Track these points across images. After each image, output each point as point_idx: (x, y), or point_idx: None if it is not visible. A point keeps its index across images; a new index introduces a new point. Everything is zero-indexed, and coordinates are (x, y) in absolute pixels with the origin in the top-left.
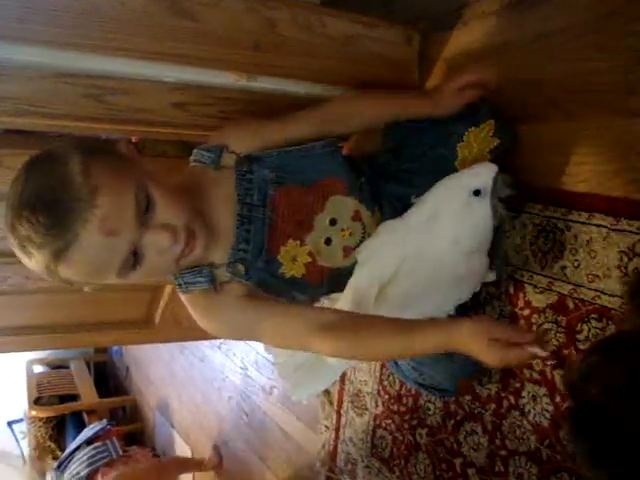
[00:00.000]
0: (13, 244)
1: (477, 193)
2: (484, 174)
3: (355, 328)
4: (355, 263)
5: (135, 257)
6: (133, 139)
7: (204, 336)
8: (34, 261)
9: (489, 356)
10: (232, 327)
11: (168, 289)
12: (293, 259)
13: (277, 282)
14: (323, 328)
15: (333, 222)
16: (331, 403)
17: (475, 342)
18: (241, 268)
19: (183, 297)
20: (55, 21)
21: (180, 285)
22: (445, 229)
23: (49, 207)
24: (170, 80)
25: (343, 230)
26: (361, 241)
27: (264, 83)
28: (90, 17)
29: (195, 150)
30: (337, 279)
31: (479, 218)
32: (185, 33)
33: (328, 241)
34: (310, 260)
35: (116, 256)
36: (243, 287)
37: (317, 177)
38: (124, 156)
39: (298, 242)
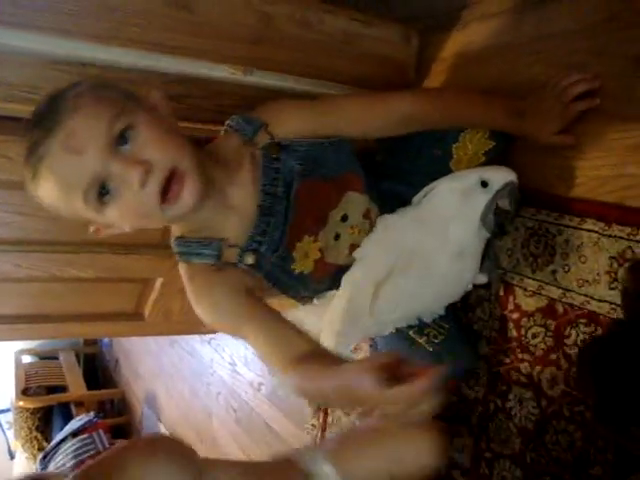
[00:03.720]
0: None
1: (484, 185)
2: (501, 173)
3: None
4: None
5: (105, 189)
6: None
7: (193, 330)
8: (27, 184)
9: None
10: (220, 315)
11: (159, 282)
12: (305, 255)
13: (287, 278)
14: (295, 361)
15: (345, 218)
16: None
17: None
18: (251, 258)
19: (181, 267)
20: (50, 7)
21: (181, 254)
22: (439, 203)
23: (37, 122)
24: (165, 72)
25: (352, 227)
26: None
27: (260, 78)
28: (86, 5)
29: (234, 116)
30: (338, 276)
31: (471, 208)
32: (182, 24)
33: (337, 237)
34: (319, 256)
35: (79, 178)
36: (247, 277)
37: (338, 171)
38: (135, 95)
39: (312, 238)
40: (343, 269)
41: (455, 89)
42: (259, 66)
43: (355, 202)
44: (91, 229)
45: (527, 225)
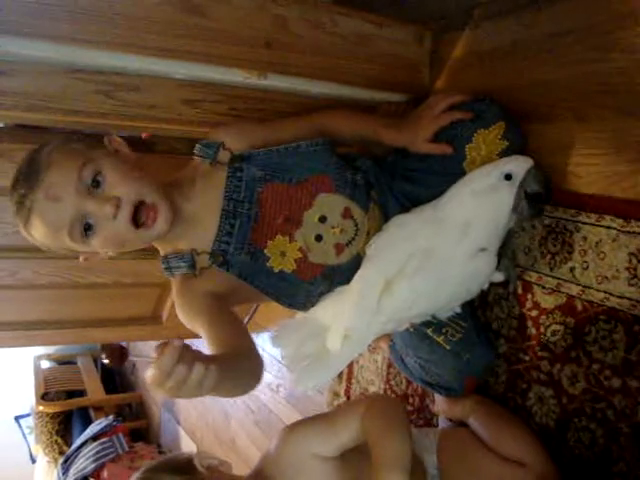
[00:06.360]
0: None
1: (508, 178)
2: (519, 162)
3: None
4: (350, 260)
5: (87, 225)
6: (143, 135)
7: None
8: (20, 228)
9: None
10: (187, 312)
11: None
12: (282, 254)
13: (265, 276)
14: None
15: (323, 219)
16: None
17: None
18: (220, 258)
19: (173, 284)
20: (68, 17)
21: (165, 269)
22: (461, 208)
23: (22, 180)
24: (181, 77)
25: (333, 227)
26: (353, 238)
27: (274, 81)
28: (103, 13)
29: (197, 144)
30: (333, 277)
31: (499, 204)
32: (196, 30)
33: (319, 238)
34: (301, 256)
35: (62, 220)
36: (222, 278)
37: (305, 175)
38: (98, 144)
39: (287, 238)
40: (337, 269)
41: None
42: (273, 70)
43: (330, 203)
44: (81, 258)
45: (544, 223)
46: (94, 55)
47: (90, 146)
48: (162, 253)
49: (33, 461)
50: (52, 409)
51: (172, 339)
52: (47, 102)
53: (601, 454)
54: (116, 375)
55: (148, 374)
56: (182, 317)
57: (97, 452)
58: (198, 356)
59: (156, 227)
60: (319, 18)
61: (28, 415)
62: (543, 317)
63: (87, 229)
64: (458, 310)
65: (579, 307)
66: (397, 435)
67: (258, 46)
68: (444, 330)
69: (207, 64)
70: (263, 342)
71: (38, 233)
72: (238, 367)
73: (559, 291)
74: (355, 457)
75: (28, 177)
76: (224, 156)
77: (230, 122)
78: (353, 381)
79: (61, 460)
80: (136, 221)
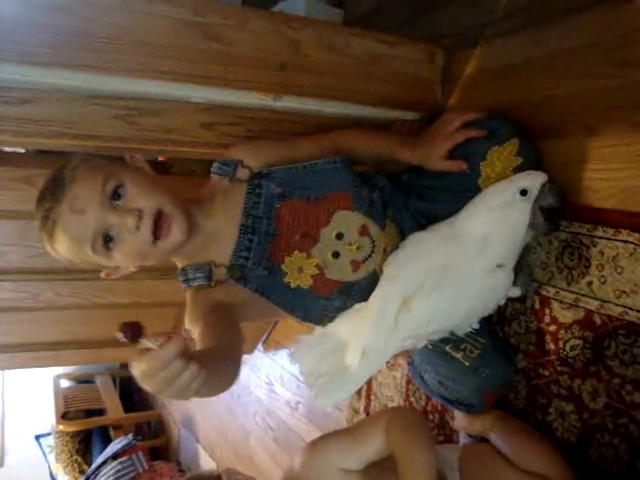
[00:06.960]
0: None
1: (523, 193)
2: (533, 177)
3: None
4: (366, 277)
5: (108, 237)
6: (160, 158)
7: None
8: (44, 243)
9: None
10: (192, 315)
11: None
12: (299, 270)
13: (282, 291)
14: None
15: (340, 236)
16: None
17: None
18: (237, 272)
19: (187, 295)
20: (88, 46)
21: (183, 281)
22: (477, 224)
23: (47, 194)
24: (198, 101)
25: (350, 244)
26: (370, 255)
27: (290, 102)
28: (122, 41)
29: (215, 163)
30: (349, 293)
31: (515, 220)
32: (213, 55)
33: (336, 255)
34: (317, 272)
35: (86, 233)
36: (237, 292)
37: (323, 192)
38: (119, 160)
39: (304, 254)
40: (354, 285)
41: (363, 128)
42: (288, 91)
43: (347, 220)
44: (102, 274)
45: (560, 238)
46: (114, 82)
47: (113, 161)
48: (180, 266)
49: None
50: (72, 428)
51: (178, 331)
52: (68, 128)
53: (626, 470)
54: (134, 394)
55: (142, 362)
56: (188, 325)
57: (117, 471)
58: (195, 357)
59: (171, 237)
60: (332, 40)
61: (48, 434)
62: (562, 332)
63: (109, 241)
64: (476, 326)
65: (598, 322)
66: (421, 446)
67: (273, 69)
68: (462, 346)
69: (224, 88)
70: (281, 359)
71: (62, 247)
72: (220, 372)
73: (577, 306)
74: (379, 470)
75: (53, 191)
76: (243, 174)
77: (247, 141)
78: (372, 398)
79: (82, 479)
80: (155, 234)
